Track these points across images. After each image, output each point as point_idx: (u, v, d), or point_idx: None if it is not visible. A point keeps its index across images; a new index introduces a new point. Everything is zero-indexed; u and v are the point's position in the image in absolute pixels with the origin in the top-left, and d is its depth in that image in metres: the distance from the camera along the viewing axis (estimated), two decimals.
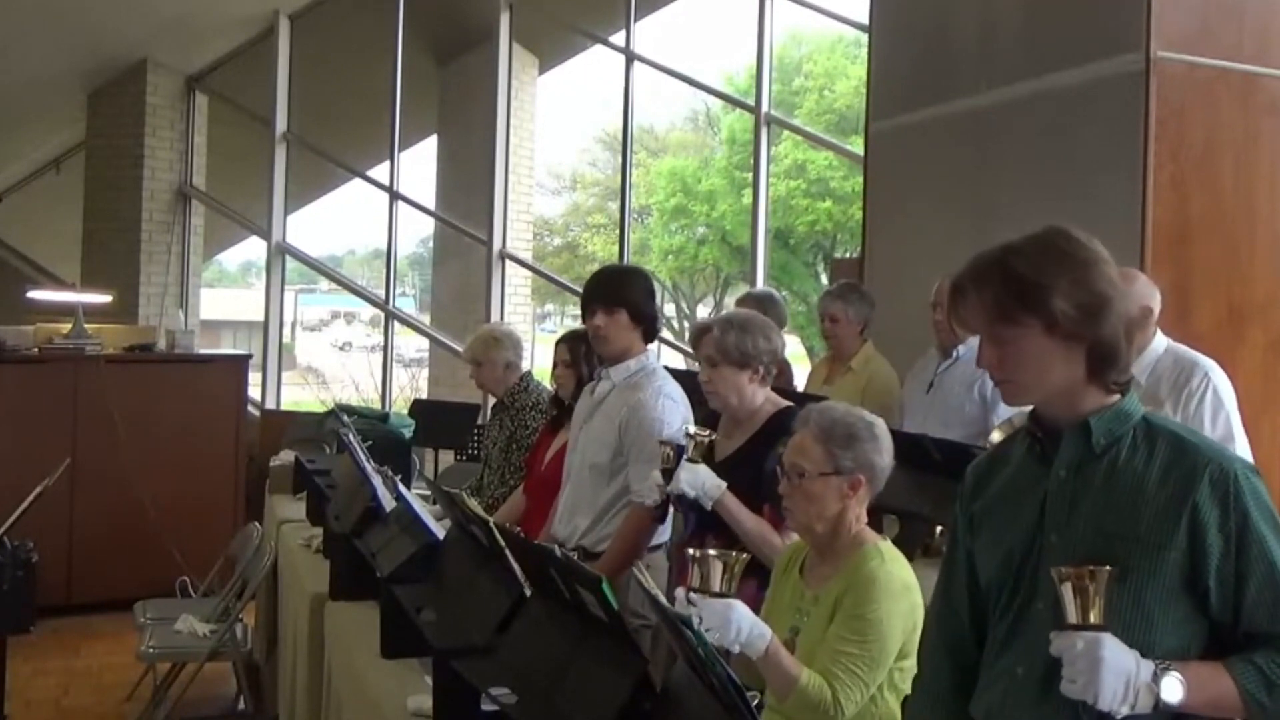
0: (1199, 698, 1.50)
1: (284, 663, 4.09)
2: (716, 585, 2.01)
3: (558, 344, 3.78)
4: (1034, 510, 1.65)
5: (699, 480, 2.65)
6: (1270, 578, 1.51)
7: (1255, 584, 1.51)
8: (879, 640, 2.07)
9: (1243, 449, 3.03)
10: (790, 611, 2.24)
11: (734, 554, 2.05)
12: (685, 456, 2.70)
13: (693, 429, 2.81)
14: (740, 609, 1.96)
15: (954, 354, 3.91)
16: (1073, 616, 1.50)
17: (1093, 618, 1.49)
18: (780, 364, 3.11)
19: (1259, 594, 1.51)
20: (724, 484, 2.67)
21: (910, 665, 2.15)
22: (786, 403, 2.85)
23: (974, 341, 3.68)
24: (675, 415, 3.10)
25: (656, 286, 3.47)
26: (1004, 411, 3.74)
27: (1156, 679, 1.47)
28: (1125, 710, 1.47)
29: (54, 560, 5.50)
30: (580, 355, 3.61)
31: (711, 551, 2.06)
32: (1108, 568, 1.50)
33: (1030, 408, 1.70)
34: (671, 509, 2.95)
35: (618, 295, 3.18)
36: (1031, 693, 1.60)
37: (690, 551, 2.10)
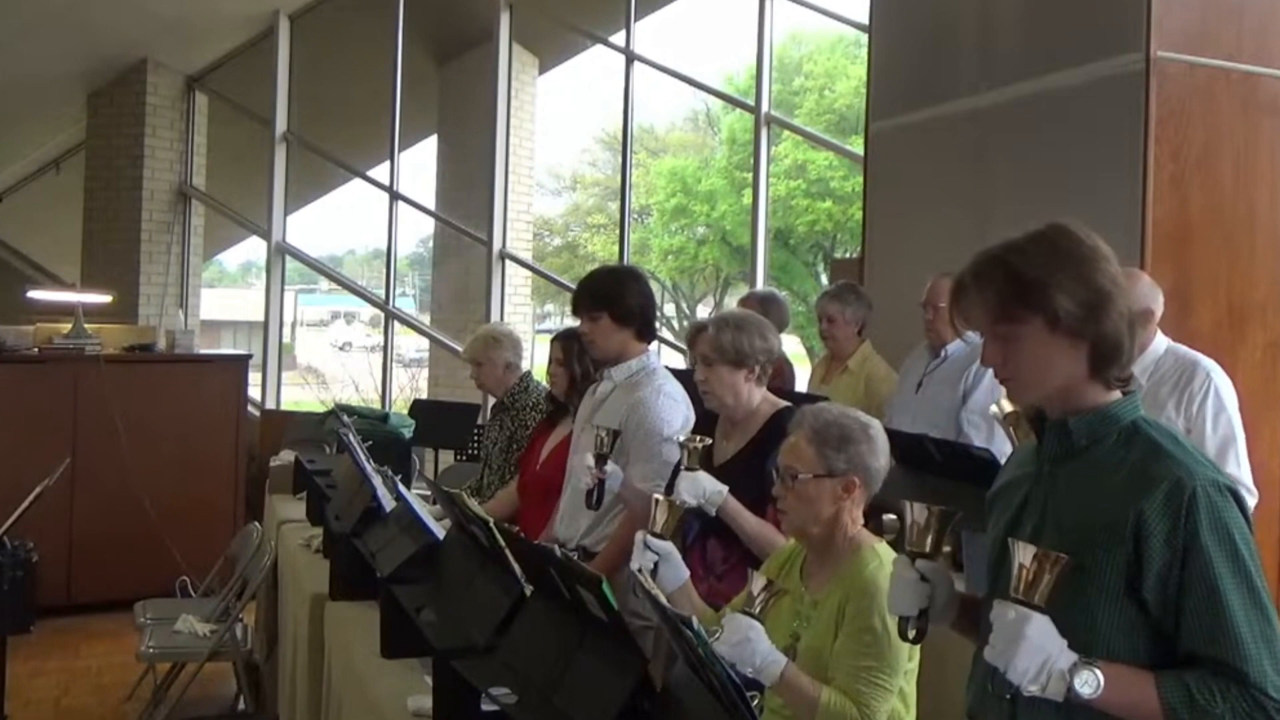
0: (1117, 699, 1.48)
1: (284, 663, 4.09)
2: (659, 527, 2.37)
3: (552, 342, 3.78)
4: (1020, 500, 1.69)
5: (699, 487, 2.62)
6: (1208, 599, 1.48)
7: (1193, 603, 1.49)
8: (892, 646, 2.06)
9: (1242, 451, 3.03)
10: (790, 617, 2.22)
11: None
12: (683, 465, 2.67)
13: (684, 437, 2.79)
14: (760, 632, 1.94)
15: (943, 354, 3.89)
16: (1017, 589, 1.51)
17: (1036, 598, 1.49)
18: (778, 364, 3.10)
19: (1195, 613, 1.49)
20: (725, 489, 2.64)
21: (915, 667, 2.15)
22: (785, 402, 2.83)
23: (967, 338, 3.69)
24: (676, 414, 3.10)
25: (656, 286, 3.46)
26: (974, 406, 3.72)
27: (1074, 670, 1.47)
28: (1034, 689, 1.47)
29: (54, 560, 5.52)
30: (573, 354, 3.61)
31: (659, 497, 2.42)
32: (1066, 557, 1.49)
33: None
34: (598, 496, 2.90)
35: (596, 300, 3.18)
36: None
37: (656, 498, 2.45)
